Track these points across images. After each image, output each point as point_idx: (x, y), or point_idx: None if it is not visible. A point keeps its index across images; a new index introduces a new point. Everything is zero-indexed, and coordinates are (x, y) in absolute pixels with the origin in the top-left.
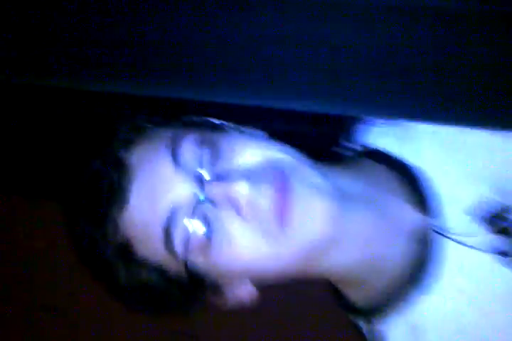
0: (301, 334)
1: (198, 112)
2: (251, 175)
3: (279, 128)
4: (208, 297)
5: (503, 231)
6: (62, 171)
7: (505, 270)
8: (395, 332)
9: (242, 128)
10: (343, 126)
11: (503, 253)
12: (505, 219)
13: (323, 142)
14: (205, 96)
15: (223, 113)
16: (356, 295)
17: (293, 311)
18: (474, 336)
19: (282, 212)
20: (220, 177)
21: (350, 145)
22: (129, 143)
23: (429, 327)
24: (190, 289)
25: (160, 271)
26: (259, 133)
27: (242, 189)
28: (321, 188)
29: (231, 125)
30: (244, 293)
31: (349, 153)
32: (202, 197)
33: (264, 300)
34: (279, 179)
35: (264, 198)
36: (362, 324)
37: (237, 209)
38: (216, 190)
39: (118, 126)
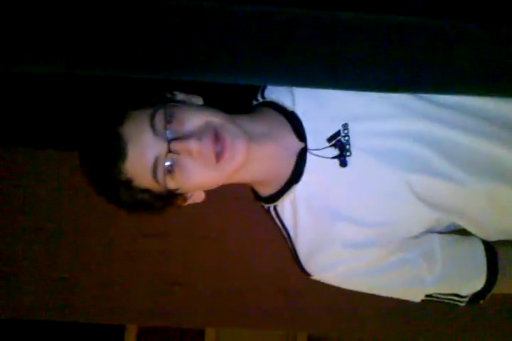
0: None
1: (167, 91)
2: (197, 134)
3: (212, 94)
4: (177, 201)
5: (337, 146)
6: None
7: (340, 167)
8: (284, 206)
9: (191, 100)
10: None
11: (337, 158)
12: (340, 139)
13: (241, 99)
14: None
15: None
16: (264, 191)
17: (231, 205)
18: (324, 204)
19: (218, 154)
20: (178, 138)
21: (259, 99)
22: (121, 121)
23: (300, 200)
24: (166, 199)
25: (149, 191)
26: (200, 100)
27: (191, 144)
28: (239, 135)
29: (184, 99)
30: (198, 197)
31: (257, 103)
32: (170, 151)
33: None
34: (214, 134)
35: (206, 147)
36: (268, 208)
37: (191, 155)
38: (177, 146)
39: (113, 108)
